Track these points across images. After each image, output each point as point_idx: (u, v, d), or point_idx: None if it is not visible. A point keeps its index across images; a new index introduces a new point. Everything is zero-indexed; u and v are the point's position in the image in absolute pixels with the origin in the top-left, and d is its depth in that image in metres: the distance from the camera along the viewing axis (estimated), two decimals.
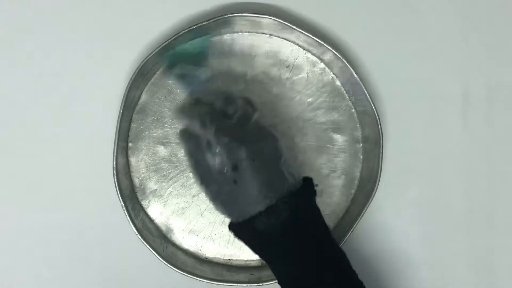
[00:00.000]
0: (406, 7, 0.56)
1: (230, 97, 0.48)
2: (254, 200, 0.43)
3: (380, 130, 0.53)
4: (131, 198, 0.54)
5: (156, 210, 0.55)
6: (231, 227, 0.46)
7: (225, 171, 0.43)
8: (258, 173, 0.43)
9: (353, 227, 0.53)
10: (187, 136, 0.47)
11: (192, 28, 0.52)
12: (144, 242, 0.52)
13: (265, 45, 0.55)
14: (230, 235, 0.54)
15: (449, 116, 0.56)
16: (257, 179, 0.43)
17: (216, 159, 0.43)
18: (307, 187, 0.46)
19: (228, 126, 0.45)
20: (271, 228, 0.43)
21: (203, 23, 0.53)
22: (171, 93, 0.55)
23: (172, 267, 0.53)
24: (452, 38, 0.57)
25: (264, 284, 0.53)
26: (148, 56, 0.53)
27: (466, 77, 0.56)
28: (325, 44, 0.53)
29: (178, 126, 0.54)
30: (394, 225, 0.56)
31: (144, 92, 0.55)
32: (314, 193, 0.46)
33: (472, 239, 0.56)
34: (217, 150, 0.43)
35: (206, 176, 0.45)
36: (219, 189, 0.45)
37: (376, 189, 0.53)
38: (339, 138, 0.56)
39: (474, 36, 0.57)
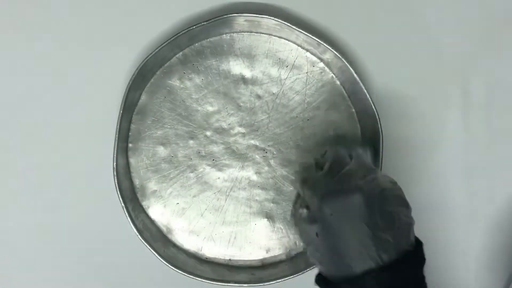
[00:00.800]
0: (406, 7, 0.56)
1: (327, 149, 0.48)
2: (352, 255, 0.40)
3: (380, 130, 0.53)
4: (132, 199, 0.54)
5: (156, 211, 0.55)
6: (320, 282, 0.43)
7: (311, 223, 0.43)
8: (339, 231, 0.40)
9: None
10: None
11: (192, 28, 0.52)
12: (145, 243, 0.52)
13: (264, 45, 0.55)
14: (231, 235, 0.55)
15: (449, 116, 0.57)
16: (336, 238, 0.40)
17: (305, 212, 0.44)
18: (416, 254, 0.41)
19: (316, 178, 0.45)
20: None
21: (203, 23, 0.53)
22: (170, 93, 0.55)
23: (173, 268, 0.53)
24: (452, 38, 0.57)
25: (265, 284, 0.53)
26: (148, 56, 0.53)
27: (466, 77, 0.56)
28: (324, 44, 0.53)
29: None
30: None
31: (144, 92, 0.55)
32: (423, 261, 0.41)
33: (472, 239, 0.56)
34: (306, 198, 0.44)
35: (302, 228, 0.46)
36: (311, 242, 0.44)
37: None
38: None
39: (474, 36, 0.57)
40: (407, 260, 0.39)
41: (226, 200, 0.55)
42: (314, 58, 0.55)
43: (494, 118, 0.56)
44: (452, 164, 0.56)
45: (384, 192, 0.42)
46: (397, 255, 0.39)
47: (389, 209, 0.41)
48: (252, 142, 0.55)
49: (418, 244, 0.42)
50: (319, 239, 0.42)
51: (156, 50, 0.53)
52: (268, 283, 0.53)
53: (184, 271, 0.53)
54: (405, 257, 0.39)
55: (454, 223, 0.56)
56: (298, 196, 0.50)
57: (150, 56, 0.53)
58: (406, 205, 0.42)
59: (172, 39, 0.53)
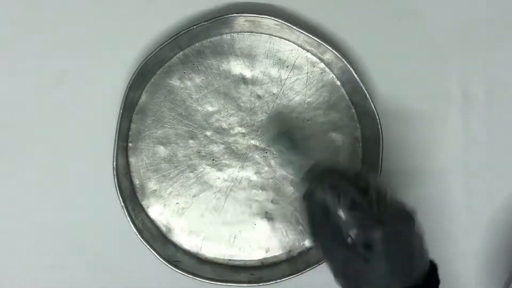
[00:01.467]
0: (406, 7, 0.57)
1: (360, 173, 0.46)
2: (379, 284, 0.40)
3: (380, 130, 0.53)
4: (131, 198, 0.54)
5: (156, 211, 0.55)
6: None
7: (357, 247, 0.40)
8: (392, 257, 0.40)
9: None
10: (314, 202, 0.43)
11: (192, 28, 0.53)
12: (145, 243, 0.52)
13: (265, 45, 0.55)
14: (230, 235, 0.55)
15: (449, 116, 0.57)
16: (390, 264, 0.40)
17: (348, 233, 0.41)
18: (434, 276, 0.43)
19: (363, 202, 0.42)
20: None
21: (203, 23, 0.53)
22: (171, 93, 0.55)
23: (173, 268, 0.52)
24: (452, 38, 0.57)
25: (264, 284, 0.53)
26: (148, 56, 0.53)
27: (466, 77, 0.57)
28: (325, 44, 0.53)
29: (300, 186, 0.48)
30: None
31: (144, 92, 0.55)
32: (438, 283, 0.43)
33: (472, 239, 0.56)
34: (351, 225, 0.41)
35: (331, 247, 0.42)
36: (345, 263, 0.42)
37: None
38: (339, 138, 0.56)
39: (474, 36, 0.57)
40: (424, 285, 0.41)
41: (226, 200, 0.55)
42: (315, 59, 0.55)
43: (494, 118, 0.56)
44: (452, 164, 0.56)
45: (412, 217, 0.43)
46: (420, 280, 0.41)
47: (419, 235, 0.42)
48: (252, 142, 0.55)
49: (433, 267, 0.43)
50: (368, 265, 0.40)
51: (157, 49, 0.53)
52: (267, 283, 0.52)
53: (183, 271, 0.53)
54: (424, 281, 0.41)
55: (454, 223, 0.56)
56: (322, 216, 0.44)
57: (150, 55, 0.53)
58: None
59: (172, 39, 0.53)
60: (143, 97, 0.55)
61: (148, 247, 0.52)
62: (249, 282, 0.53)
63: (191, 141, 0.55)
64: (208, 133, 0.55)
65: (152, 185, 0.55)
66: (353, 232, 0.40)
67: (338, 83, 0.56)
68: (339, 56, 0.53)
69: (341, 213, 0.41)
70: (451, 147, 0.56)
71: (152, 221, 0.55)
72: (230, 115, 0.55)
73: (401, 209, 0.42)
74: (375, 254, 0.40)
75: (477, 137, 0.56)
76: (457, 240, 0.56)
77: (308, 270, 0.52)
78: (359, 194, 0.42)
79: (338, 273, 0.43)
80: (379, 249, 0.40)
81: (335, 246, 0.42)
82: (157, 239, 0.54)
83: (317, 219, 0.43)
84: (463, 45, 0.57)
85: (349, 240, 0.41)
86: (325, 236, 0.43)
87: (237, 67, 0.55)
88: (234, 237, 0.55)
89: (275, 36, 0.55)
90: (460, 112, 0.56)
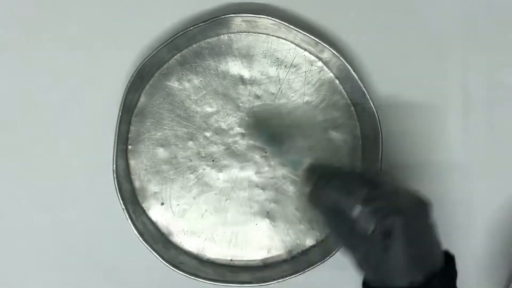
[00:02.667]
0: (406, 6, 0.56)
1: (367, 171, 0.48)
2: (401, 271, 0.40)
3: (379, 128, 0.53)
4: (132, 200, 0.54)
5: (156, 212, 0.55)
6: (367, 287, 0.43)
7: (376, 238, 0.40)
8: (411, 244, 0.40)
9: None
10: (325, 201, 0.45)
11: (189, 29, 0.52)
12: (146, 245, 0.53)
13: (262, 44, 0.55)
14: (232, 235, 0.55)
15: (449, 116, 0.56)
16: (410, 250, 0.40)
17: (366, 224, 0.41)
18: (452, 267, 0.43)
19: (376, 195, 0.42)
20: None
21: (200, 24, 0.52)
22: (169, 95, 0.55)
23: (174, 269, 0.53)
24: (452, 38, 0.56)
25: (266, 284, 0.53)
26: (146, 58, 0.52)
27: (466, 77, 0.56)
28: (322, 43, 0.53)
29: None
30: None
31: (142, 94, 0.55)
32: (456, 274, 0.43)
33: (471, 239, 0.56)
34: (368, 217, 0.41)
35: (351, 241, 0.43)
36: (366, 254, 0.42)
37: None
38: (338, 137, 0.55)
39: (474, 36, 0.56)
40: (446, 273, 0.42)
41: (226, 200, 0.55)
42: (312, 57, 0.55)
43: (494, 118, 0.56)
44: (452, 164, 0.56)
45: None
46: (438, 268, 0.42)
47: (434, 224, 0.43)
48: (252, 142, 0.55)
49: (450, 257, 0.43)
50: (388, 254, 0.41)
51: (154, 51, 0.52)
52: (269, 283, 0.53)
53: (185, 272, 0.53)
54: (440, 272, 0.42)
55: (454, 223, 0.56)
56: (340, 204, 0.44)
57: (148, 57, 0.52)
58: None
59: (170, 40, 0.52)
60: (142, 99, 0.55)
61: (150, 249, 0.53)
62: (251, 283, 0.53)
63: (190, 143, 0.55)
64: (208, 134, 0.55)
65: (152, 187, 0.55)
66: (371, 224, 0.41)
67: (337, 81, 0.55)
68: (337, 54, 0.53)
69: (357, 208, 0.41)
70: (451, 146, 0.56)
71: (153, 223, 0.55)
72: (229, 116, 0.55)
73: (416, 198, 0.43)
74: (395, 242, 0.40)
75: (477, 137, 0.56)
76: (457, 240, 0.56)
77: (309, 270, 0.52)
78: (372, 189, 0.42)
79: (361, 264, 0.43)
80: (399, 236, 0.40)
81: (353, 239, 0.42)
82: (159, 241, 0.55)
83: (331, 217, 0.45)
84: (463, 45, 0.56)
85: (367, 232, 0.41)
86: (342, 232, 0.44)
87: (235, 67, 0.55)
88: (236, 238, 0.55)
89: (272, 35, 0.55)
90: (460, 111, 0.56)
